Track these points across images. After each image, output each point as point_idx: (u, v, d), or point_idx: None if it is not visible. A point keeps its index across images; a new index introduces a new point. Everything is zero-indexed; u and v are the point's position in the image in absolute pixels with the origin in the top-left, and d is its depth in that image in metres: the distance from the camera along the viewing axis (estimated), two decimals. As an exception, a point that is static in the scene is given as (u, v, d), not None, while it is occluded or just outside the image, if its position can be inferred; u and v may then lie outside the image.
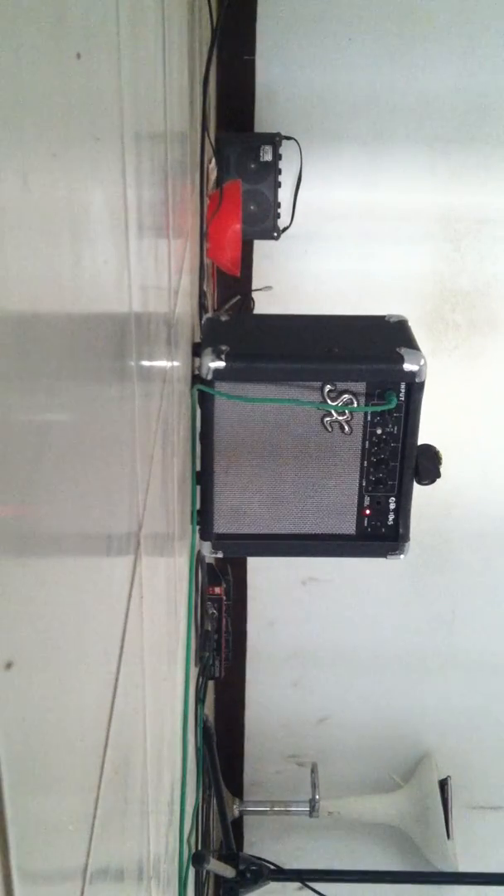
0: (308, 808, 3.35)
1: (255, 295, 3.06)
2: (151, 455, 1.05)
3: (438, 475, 1.79)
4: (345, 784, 3.71)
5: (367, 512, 1.81)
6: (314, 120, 2.93)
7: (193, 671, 1.98)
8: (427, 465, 1.78)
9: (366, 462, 1.77)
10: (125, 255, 0.82)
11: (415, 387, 1.70)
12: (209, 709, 2.97)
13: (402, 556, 1.83)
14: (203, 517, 1.79)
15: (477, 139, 2.96)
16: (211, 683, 2.84)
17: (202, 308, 2.05)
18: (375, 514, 1.81)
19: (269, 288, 3.06)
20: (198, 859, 1.87)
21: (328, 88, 2.89)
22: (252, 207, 2.76)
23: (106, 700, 0.74)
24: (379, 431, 1.75)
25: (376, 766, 3.79)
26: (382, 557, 1.83)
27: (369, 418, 1.74)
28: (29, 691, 0.48)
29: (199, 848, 2.13)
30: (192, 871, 1.92)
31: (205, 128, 2.05)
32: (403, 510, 1.80)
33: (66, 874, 0.59)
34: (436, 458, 1.79)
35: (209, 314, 1.94)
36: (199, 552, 1.87)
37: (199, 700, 2.20)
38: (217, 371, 1.66)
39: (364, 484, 1.78)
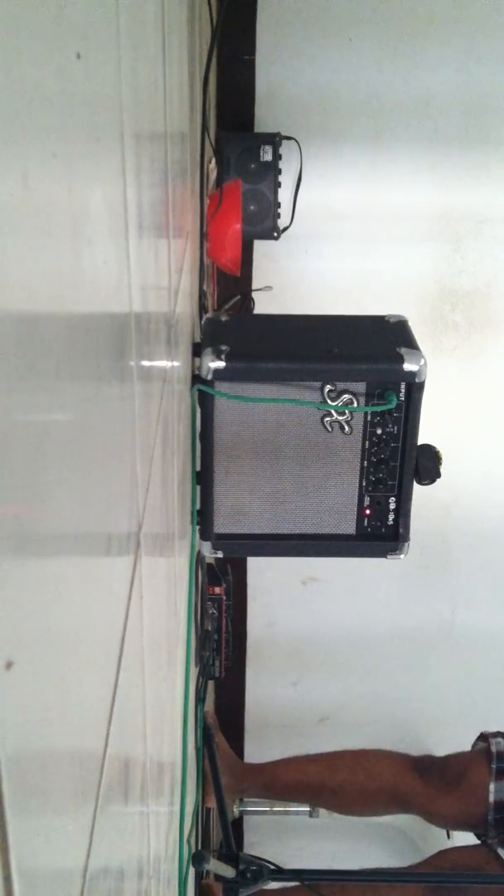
0: (308, 808, 3.34)
1: (255, 295, 3.06)
2: (151, 455, 1.05)
3: (438, 475, 1.79)
4: (345, 784, 3.70)
5: (367, 512, 1.81)
6: (314, 120, 2.93)
7: (193, 671, 1.98)
8: (427, 465, 1.78)
9: (366, 462, 1.77)
10: (125, 255, 0.82)
11: (415, 387, 1.70)
12: (209, 709, 2.97)
13: (401, 556, 1.83)
14: (203, 517, 1.79)
15: (477, 139, 2.96)
16: (211, 683, 2.84)
17: (202, 308, 2.05)
18: (375, 514, 1.81)
19: (269, 288, 3.07)
20: (198, 859, 1.87)
21: (328, 88, 2.90)
22: (252, 207, 2.76)
23: (106, 700, 0.74)
24: (379, 431, 1.75)
25: (376, 766, 3.78)
26: (382, 557, 1.83)
27: (369, 418, 1.74)
28: (29, 691, 0.48)
29: (199, 848, 2.13)
30: (192, 871, 1.92)
31: (205, 128, 2.05)
32: (403, 510, 1.80)
33: (66, 874, 0.59)
34: (436, 458, 1.79)
35: (209, 314, 1.94)
36: (199, 552, 1.87)
37: (199, 700, 2.20)
38: (217, 371, 1.66)
39: (364, 484, 1.78)
